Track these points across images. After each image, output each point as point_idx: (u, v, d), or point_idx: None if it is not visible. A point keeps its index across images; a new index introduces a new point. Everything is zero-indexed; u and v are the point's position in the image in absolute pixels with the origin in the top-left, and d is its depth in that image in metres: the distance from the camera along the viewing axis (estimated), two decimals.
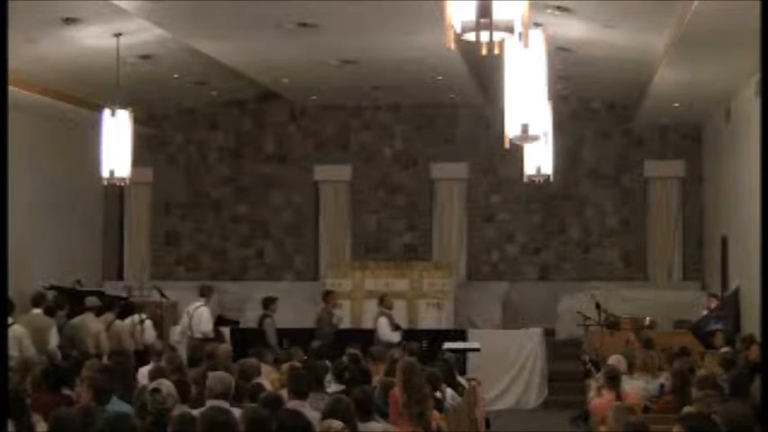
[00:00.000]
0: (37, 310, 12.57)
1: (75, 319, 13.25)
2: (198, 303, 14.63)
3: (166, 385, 6.94)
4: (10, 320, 11.47)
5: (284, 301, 17.10)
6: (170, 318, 16.56)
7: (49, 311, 12.78)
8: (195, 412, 6.28)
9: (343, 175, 20.07)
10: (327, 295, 15.64)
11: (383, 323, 14.90)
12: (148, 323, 13.90)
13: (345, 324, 16.76)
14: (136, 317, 13.88)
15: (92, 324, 13.16)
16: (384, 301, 15.30)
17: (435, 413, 8.47)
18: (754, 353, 10.70)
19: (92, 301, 13.72)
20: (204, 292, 14.93)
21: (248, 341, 14.94)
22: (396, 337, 14.61)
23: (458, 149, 19.71)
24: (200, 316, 14.48)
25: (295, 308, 16.61)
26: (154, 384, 6.98)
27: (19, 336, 11.42)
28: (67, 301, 13.66)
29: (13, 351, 10.87)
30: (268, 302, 15.06)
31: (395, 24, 12.91)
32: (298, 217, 20.21)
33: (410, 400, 7.97)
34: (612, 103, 19.27)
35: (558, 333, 17.68)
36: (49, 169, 17.52)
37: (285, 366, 9.58)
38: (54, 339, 12.17)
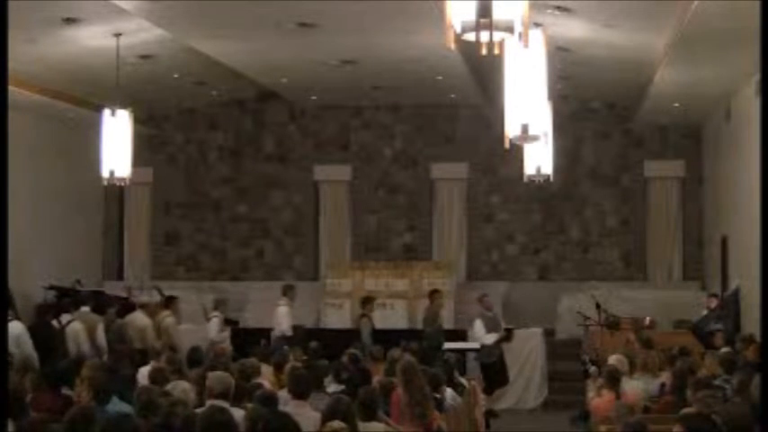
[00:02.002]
0: (85, 308, 13.31)
1: (128, 317, 13.99)
2: (280, 302, 15.07)
3: (181, 389, 6.93)
4: (68, 318, 12.72)
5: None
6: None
7: (99, 309, 13.67)
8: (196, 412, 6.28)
9: (343, 175, 20.07)
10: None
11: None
12: (171, 320, 14.24)
13: (345, 324, 16.80)
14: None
15: (138, 321, 13.85)
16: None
17: (436, 413, 8.47)
18: (752, 353, 10.70)
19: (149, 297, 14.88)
20: (286, 291, 15.36)
21: (248, 341, 14.98)
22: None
23: (458, 149, 19.71)
24: (277, 315, 14.96)
25: (295, 308, 16.56)
26: (170, 387, 6.97)
27: (76, 331, 12.53)
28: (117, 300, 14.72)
29: (70, 345, 12.28)
30: (365, 302, 15.14)
31: (395, 24, 12.91)
32: (298, 217, 20.21)
33: (411, 399, 7.98)
34: (612, 103, 19.27)
35: (558, 333, 17.68)
36: (49, 169, 17.52)
37: (287, 367, 9.58)
38: (101, 335, 12.91)
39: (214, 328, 14.99)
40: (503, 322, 15.40)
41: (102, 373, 7.82)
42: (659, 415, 8.79)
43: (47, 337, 12.07)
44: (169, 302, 14.65)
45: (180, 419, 6.03)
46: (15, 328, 11.53)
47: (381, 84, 17.37)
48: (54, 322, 12.73)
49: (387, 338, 14.68)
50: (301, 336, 14.73)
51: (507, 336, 15.06)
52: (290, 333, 14.80)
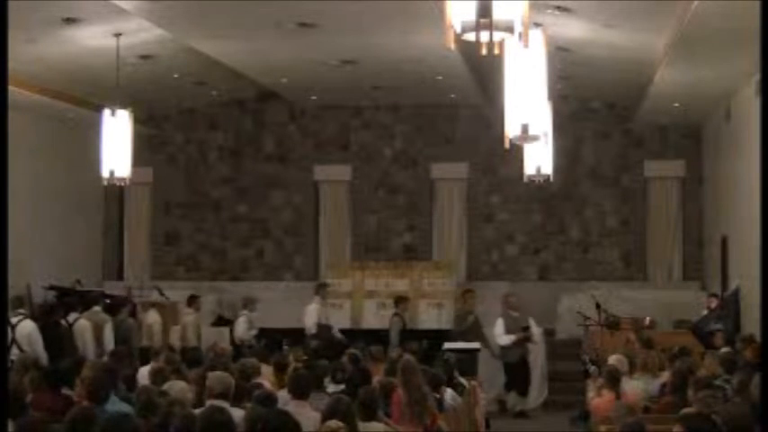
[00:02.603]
0: (97, 308, 13.58)
1: (140, 315, 14.81)
2: (312, 300, 15.37)
3: (179, 388, 6.93)
4: (76, 315, 13.06)
5: (284, 301, 17.14)
6: (170, 317, 16.57)
7: (111, 310, 13.93)
8: (195, 412, 6.28)
9: (343, 175, 20.07)
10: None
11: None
12: (191, 318, 14.89)
13: (345, 324, 16.79)
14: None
15: (149, 318, 14.69)
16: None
17: (435, 413, 8.47)
18: (751, 353, 10.70)
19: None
20: (318, 290, 15.66)
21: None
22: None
23: (458, 149, 19.71)
24: (305, 313, 15.27)
25: (295, 308, 16.56)
26: (166, 387, 6.97)
27: (82, 329, 12.88)
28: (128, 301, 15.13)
29: (77, 342, 12.62)
30: (399, 301, 15.23)
31: (394, 24, 12.91)
32: (298, 217, 20.21)
33: (410, 399, 7.98)
34: (612, 103, 19.26)
35: (558, 333, 17.68)
36: (49, 169, 17.52)
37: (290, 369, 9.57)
38: (109, 334, 13.15)
39: (242, 327, 15.17)
40: (532, 323, 15.12)
41: (100, 372, 7.83)
42: (659, 415, 8.79)
43: (56, 336, 12.23)
44: (192, 301, 15.17)
45: (178, 419, 6.03)
46: (26, 326, 11.74)
47: (381, 84, 17.37)
48: (63, 321, 12.88)
49: (387, 338, 14.73)
50: (326, 334, 14.80)
51: (525, 337, 14.84)
52: (313, 331, 14.93)
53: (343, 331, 15.62)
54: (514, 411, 14.81)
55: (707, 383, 8.01)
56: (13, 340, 11.54)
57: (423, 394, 8.12)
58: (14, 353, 11.22)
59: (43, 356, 11.22)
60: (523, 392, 14.95)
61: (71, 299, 14.23)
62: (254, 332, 15.21)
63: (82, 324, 13.01)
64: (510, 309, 15.05)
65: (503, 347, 14.82)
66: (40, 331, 11.84)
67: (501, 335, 14.79)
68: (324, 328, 15.15)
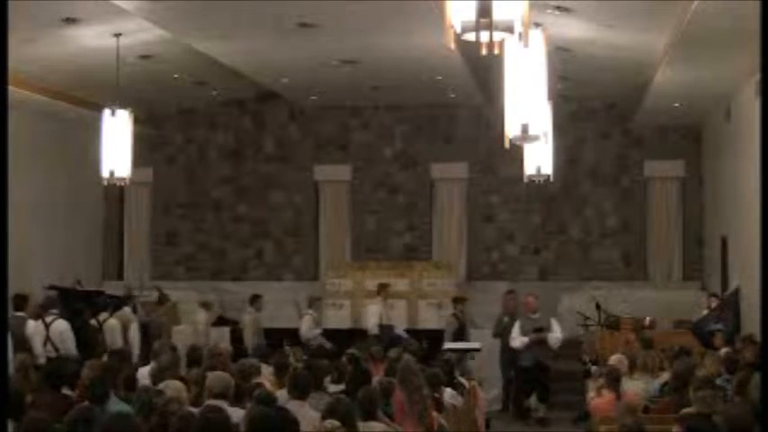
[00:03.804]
0: (127, 308, 14.45)
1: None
2: (374, 300, 15.73)
3: (173, 387, 6.93)
4: (105, 315, 13.89)
5: (284, 301, 17.13)
6: (171, 317, 16.60)
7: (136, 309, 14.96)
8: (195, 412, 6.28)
9: (343, 175, 20.07)
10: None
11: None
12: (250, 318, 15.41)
13: (345, 324, 16.79)
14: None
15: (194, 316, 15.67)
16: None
17: (435, 413, 8.47)
18: (749, 354, 10.71)
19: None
20: (379, 290, 15.93)
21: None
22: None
23: (458, 149, 19.71)
24: (366, 313, 15.84)
25: (295, 308, 16.58)
26: (162, 386, 6.97)
27: (112, 327, 13.68)
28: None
29: (108, 339, 13.41)
30: (457, 301, 15.27)
31: (395, 24, 12.91)
32: (298, 217, 20.21)
33: (410, 399, 7.98)
34: (612, 103, 19.26)
35: None
36: (49, 169, 17.52)
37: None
38: (135, 332, 13.93)
39: (306, 326, 15.34)
40: (555, 325, 14.48)
41: (100, 372, 7.83)
42: (659, 415, 8.81)
43: (86, 335, 13.08)
44: (254, 300, 15.67)
45: (176, 418, 6.03)
46: (60, 325, 12.36)
47: (381, 84, 17.37)
48: (93, 321, 13.77)
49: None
50: (388, 334, 14.84)
51: (537, 339, 14.19)
52: (375, 331, 15.06)
53: (343, 331, 15.63)
54: (536, 417, 14.37)
55: (707, 383, 8.01)
56: (47, 338, 12.19)
57: (422, 395, 8.12)
58: (48, 349, 12.11)
59: (74, 353, 11.84)
60: (543, 398, 14.39)
61: (98, 300, 14.81)
62: (318, 331, 15.37)
63: (111, 323, 13.75)
64: (527, 310, 14.56)
65: (517, 351, 14.35)
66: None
67: (516, 337, 14.33)
68: (386, 329, 15.17)
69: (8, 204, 9.93)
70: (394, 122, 20.02)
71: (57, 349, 11.98)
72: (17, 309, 12.44)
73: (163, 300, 16.57)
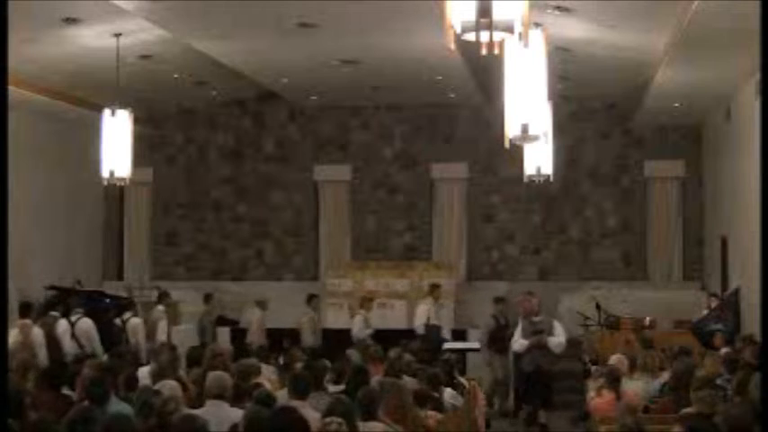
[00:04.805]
0: (161, 307, 15.06)
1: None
2: (425, 300, 15.77)
3: (170, 386, 6.92)
4: (129, 314, 14.22)
5: (284, 301, 17.13)
6: (171, 317, 16.59)
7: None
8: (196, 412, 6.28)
9: (343, 175, 20.07)
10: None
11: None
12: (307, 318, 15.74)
13: (345, 324, 16.78)
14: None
15: (248, 314, 16.21)
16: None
17: (433, 413, 8.45)
18: (748, 354, 10.71)
19: None
20: (432, 290, 15.97)
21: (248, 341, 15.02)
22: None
23: (458, 149, 19.71)
24: (417, 313, 15.67)
25: (295, 308, 16.59)
26: (158, 386, 6.97)
27: (135, 325, 14.00)
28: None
29: (131, 338, 13.78)
30: (498, 302, 15.07)
31: (395, 24, 12.91)
32: (298, 217, 20.21)
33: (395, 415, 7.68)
34: (612, 103, 19.26)
35: None
36: (49, 169, 17.52)
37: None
38: (162, 331, 14.42)
39: (357, 326, 15.43)
40: (558, 329, 13.63)
41: (100, 372, 7.83)
42: (659, 415, 8.80)
43: (110, 333, 13.63)
44: (310, 300, 15.91)
45: (174, 417, 6.03)
46: (85, 323, 12.91)
47: (381, 84, 17.37)
48: (117, 320, 14.18)
49: (386, 338, 14.72)
50: (434, 335, 14.78)
51: (537, 342, 13.37)
52: (421, 331, 15.05)
53: (343, 331, 15.62)
54: (540, 422, 13.78)
55: (707, 383, 8.01)
56: (73, 336, 12.76)
57: (403, 414, 7.76)
58: (72, 345, 12.68)
59: (100, 351, 12.40)
60: (545, 404, 13.68)
61: (128, 301, 15.40)
62: (369, 331, 15.35)
63: (134, 322, 14.12)
64: (528, 312, 13.77)
65: (518, 355, 13.75)
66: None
67: (517, 340, 13.62)
68: (432, 329, 15.10)
69: (8, 204, 9.93)
70: (394, 122, 20.02)
71: (81, 347, 12.43)
72: (23, 315, 12.69)
73: (162, 299, 16.47)
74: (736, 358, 10.25)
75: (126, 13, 12.18)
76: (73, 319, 12.94)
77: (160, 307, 14.99)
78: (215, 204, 20.32)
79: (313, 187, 20.24)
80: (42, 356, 11.81)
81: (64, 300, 13.99)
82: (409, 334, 15.15)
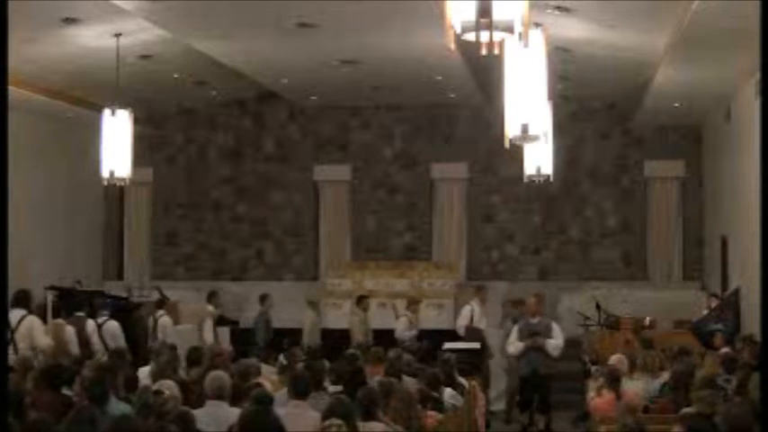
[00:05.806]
0: (210, 307, 15.18)
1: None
2: (471, 302, 15.52)
3: (168, 386, 6.93)
4: (160, 313, 14.44)
5: (284, 301, 17.12)
6: (171, 317, 16.58)
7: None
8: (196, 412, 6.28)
9: (343, 175, 20.08)
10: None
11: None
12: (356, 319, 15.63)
13: (345, 324, 16.76)
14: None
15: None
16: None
17: (433, 413, 8.45)
18: (748, 354, 10.71)
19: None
20: (477, 291, 15.67)
21: (249, 341, 15.00)
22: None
23: (458, 149, 19.71)
24: (460, 314, 15.42)
25: (295, 308, 16.58)
26: (156, 386, 6.97)
27: (165, 324, 14.23)
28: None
29: (160, 334, 13.91)
30: (516, 304, 14.91)
31: (394, 24, 12.91)
32: (298, 217, 20.22)
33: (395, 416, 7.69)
34: (612, 103, 19.26)
35: None
36: (49, 169, 17.52)
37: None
38: (209, 329, 14.67)
39: (401, 327, 15.33)
40: (555, 330, 13.20)
41: (100, 372, 7.83)
42: (659, 415, 8.80)
43: (134, 333, 13.87)
44: (360, 300, 15.80)
45: (173, 416, 6.03)
46: (111, 325, 13.11)
47: (381, 84, 17.37)
48: (150, 319, 14.43)
49: (386, 338, 14.72)
50: (474, 337, 14.61)
51: (533, 345, 12.97)
52: (461, 333, 14.93)
53: (343, 331, 15.60)
54: (539, 428, 13.59)
55: (707, 383, 8.01)
56: (100, 336, 12.87)
57: (402, 416, 7.78)
58: (100, 344, 12.80)
59: (125, 349, 12.32)
60: (542, 409, 13.34)
61: (160, 300, 15.36)
62: (413, 332, 15.21)
63: (165, 320, 14.29)
64: (526, 313, 13.45)
65: (515, 358, 13.41)
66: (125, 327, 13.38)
67: (512, 342, 13.21)
68: (472, 331, 14.84)
69: (8, 204, 9.92)
70: (394, 122, 20.03)
71: (106, 347, 12.56)
72: (19, 306, 12.50)
73: (211, 299, 16.21)
74: (736, 358, 10.25)
75: (126, 13, 12.18)
76: (99, 321, 13.05)
77: (209, 307, 15.16)
78: (215, 204, 20.32)
79: (313, 187, 20.24)
80: (76, 353, 11.85)
81: (88, 301, 13.96)
82: (451, 335, 14.94)
